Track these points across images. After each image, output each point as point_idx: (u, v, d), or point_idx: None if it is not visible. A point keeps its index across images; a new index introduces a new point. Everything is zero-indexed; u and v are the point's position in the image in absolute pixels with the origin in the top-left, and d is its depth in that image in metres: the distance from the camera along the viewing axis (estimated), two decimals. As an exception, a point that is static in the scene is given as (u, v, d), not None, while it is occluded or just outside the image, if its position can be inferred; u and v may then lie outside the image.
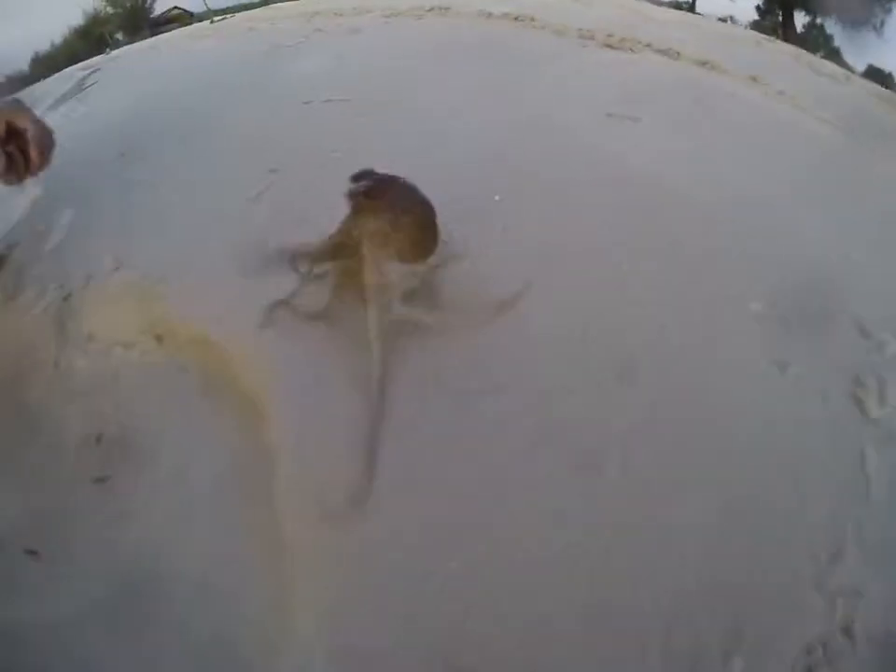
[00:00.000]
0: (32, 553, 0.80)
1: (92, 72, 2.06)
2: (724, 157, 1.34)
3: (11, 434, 0.91)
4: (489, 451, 0.78)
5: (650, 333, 0.86)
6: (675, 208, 1.05)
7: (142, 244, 0.99)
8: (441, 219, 0.89)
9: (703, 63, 1.68)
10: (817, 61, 2.55)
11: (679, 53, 1.66)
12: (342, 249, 0.87)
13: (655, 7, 2.21)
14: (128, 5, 11.59)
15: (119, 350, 0.89)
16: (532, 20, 1.71)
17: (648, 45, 1.68)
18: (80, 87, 1.91)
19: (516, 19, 1.71)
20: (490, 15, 1.72)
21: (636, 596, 0.64)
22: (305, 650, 0.68)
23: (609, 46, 1.65)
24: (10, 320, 0.97)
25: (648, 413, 0.78)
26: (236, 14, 2.49)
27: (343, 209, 0.88)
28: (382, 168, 0.88)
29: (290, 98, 1.37)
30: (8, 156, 0.84)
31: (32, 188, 1.25)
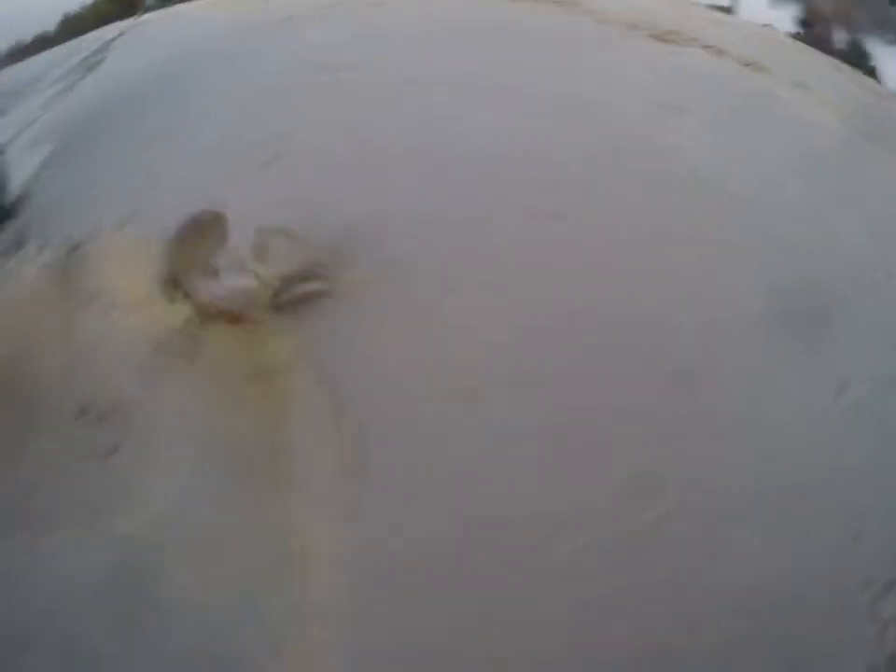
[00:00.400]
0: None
1: (118, 35, 2.02)
2: (770, 157, 1.27)
3: (6, 397, 0.86)
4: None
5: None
6: (725, 205, 0.99)
7: (155, 200, 0.93)
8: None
9: (748, 64, 1.62)
10: (857, 74, 2.48)
11: (725, 51, 1.60)
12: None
13: (697, 6, 2.14)
14: (161, -32, 11.52)
15: (127, 309, 0.84)
16: (575, 4, 1.64)
17: (694, 39, 1.62)
18: (104, 49, 1.87)
19: (557, 2, 1.64)
20: (530, -5, 1.66)
21: (690, 630, 0.59)
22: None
23: (655, 37, 1.58)
24: (13, 273, 0.92)
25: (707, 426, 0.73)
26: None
27: (349, 181, 0.86)
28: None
29: (303, 68, 1.30)
30: None
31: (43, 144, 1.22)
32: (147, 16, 2.56)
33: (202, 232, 0.84)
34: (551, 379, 0.77)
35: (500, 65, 1.33)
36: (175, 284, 0.80)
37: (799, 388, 0.77)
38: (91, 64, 1.66)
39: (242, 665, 0.66)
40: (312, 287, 0.80)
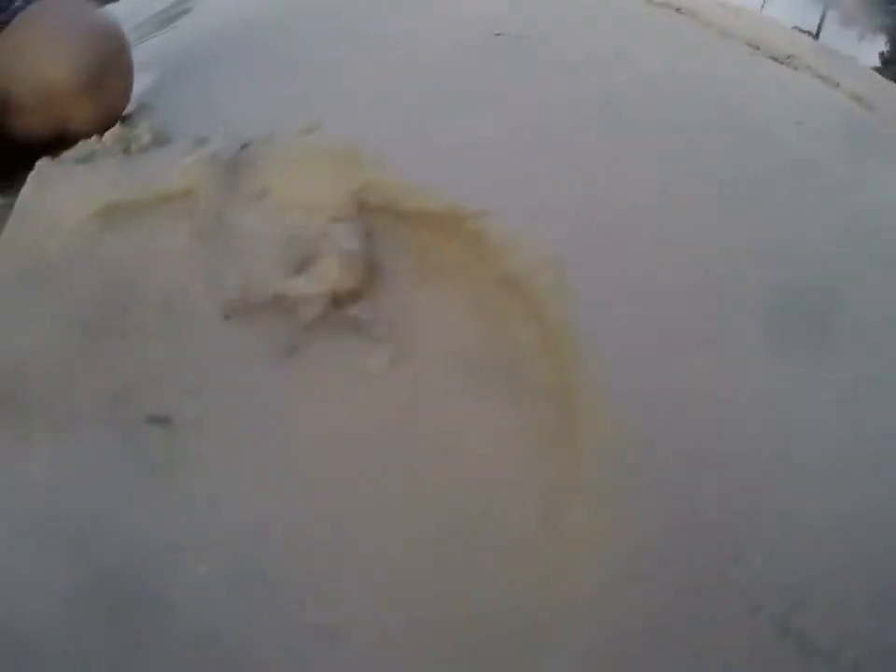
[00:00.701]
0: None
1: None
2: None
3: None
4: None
5: None
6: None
7: (341, 120, 0.83)
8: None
9: (858, 99, 1.64)
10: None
11: (839, 84, 1.62)
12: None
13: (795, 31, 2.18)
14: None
15: (301, 211, 0.73)
16: (694, 15, 1.64)
17: (808, 67, 1.64)
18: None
19: (678, 10, 1.64)
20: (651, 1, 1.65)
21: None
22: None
23: (775, 59, 1.59)
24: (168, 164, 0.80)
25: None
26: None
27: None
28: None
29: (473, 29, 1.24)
30: None
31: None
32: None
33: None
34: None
35: (663, 66, 1.29)
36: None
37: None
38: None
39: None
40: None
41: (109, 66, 0.90)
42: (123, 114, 0.97)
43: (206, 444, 0.62)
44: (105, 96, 0.92)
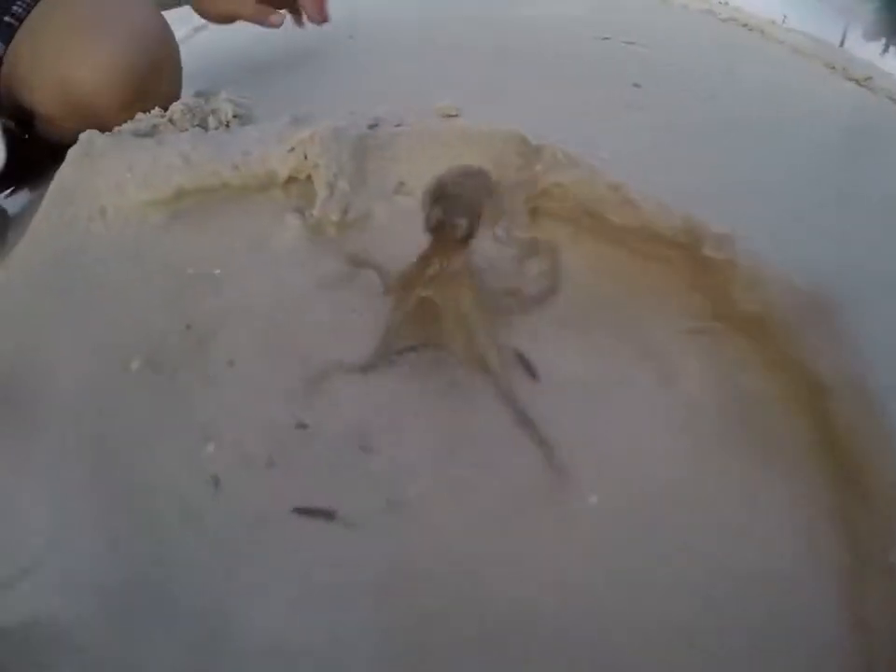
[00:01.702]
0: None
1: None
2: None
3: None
4: None
5: None
6: None
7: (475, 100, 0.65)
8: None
9: None
10: None
11: None
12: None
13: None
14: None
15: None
16: (762, 32, 1.55)
17: (883, 89, 1.53)
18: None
19: (745, 25, 1.54)
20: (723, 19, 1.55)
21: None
22: None
23: (854, 80, 1.49)
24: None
25: None
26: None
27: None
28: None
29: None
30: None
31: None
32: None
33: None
34: None
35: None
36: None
37: None
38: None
39: None
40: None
41: (155, 74, 0.69)
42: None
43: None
44: (150, 101, 0.72)
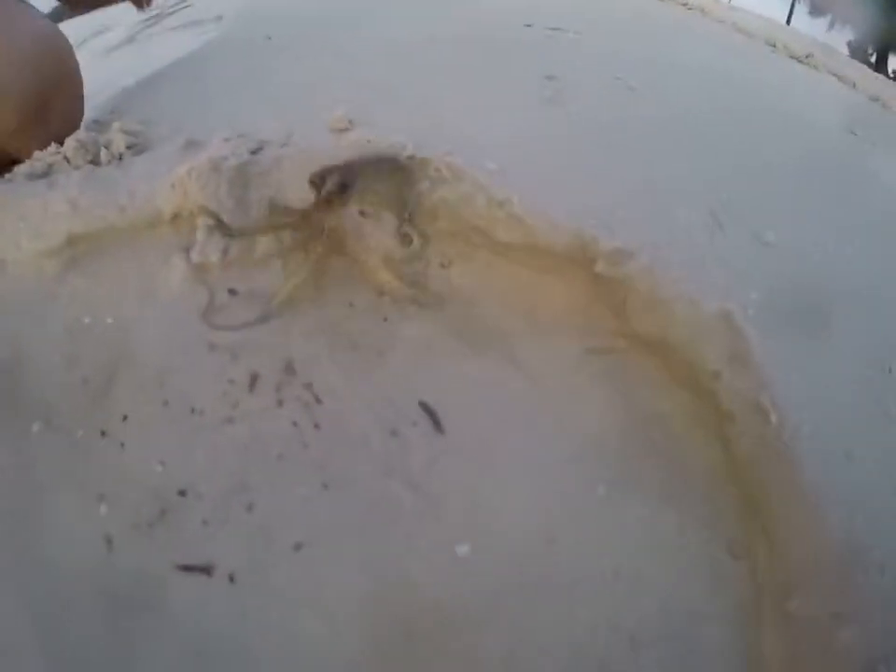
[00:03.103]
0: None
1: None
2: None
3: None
4: None
5: None
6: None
7: (374, 108, 0.63)
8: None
9: (876, 99, 1.51)
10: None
11: (856, 85, 1.51)
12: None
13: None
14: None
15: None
16: (703, 11, 1.50)
17: (826, 70, 1.51)
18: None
19: (685, 4, 1.50)
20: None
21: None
22: None
23: (795, 58, 1.46)
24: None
25: None
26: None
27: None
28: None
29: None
30: None
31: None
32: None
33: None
34: None
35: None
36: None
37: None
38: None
39: None
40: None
41: (55, 91, 0.67)
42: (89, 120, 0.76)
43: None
44: (49, 127, 0.70)
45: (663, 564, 0.41)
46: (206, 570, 0.39)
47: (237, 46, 0.88)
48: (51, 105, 0.66)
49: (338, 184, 0.53)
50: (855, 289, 0.61)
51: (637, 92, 0.81)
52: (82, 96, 0.72)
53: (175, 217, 0.56)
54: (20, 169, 0.68)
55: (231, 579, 0.39)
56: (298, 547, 0.40)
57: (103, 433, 0.47)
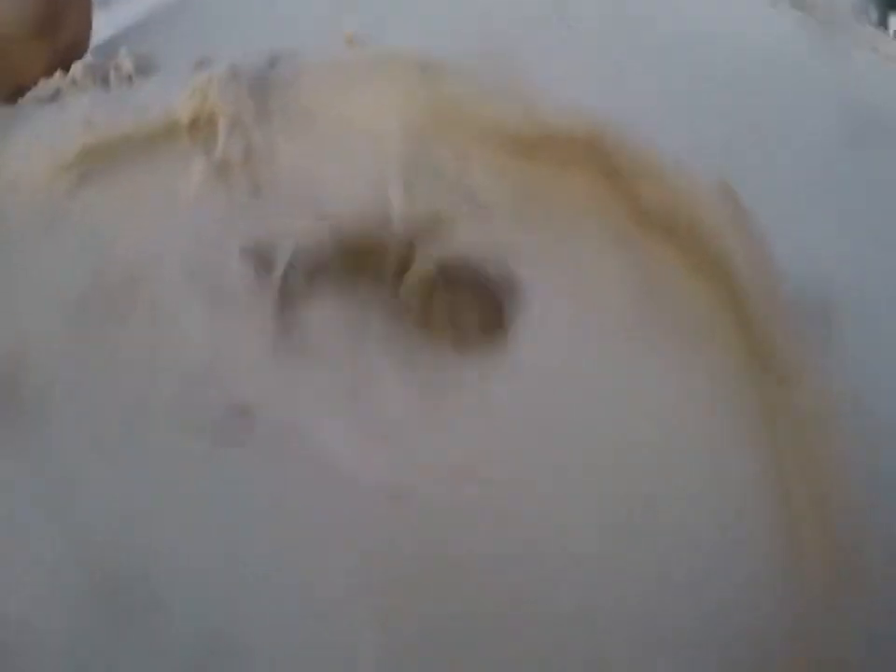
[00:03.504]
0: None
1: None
2: None
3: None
4: None
5: None
6: None
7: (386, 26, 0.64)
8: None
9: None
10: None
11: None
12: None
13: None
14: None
15: (363, 139, 0.52)
16: None
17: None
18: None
19: None
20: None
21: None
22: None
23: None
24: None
25: None
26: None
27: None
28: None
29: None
30: None
31: None
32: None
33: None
34: None
35: None
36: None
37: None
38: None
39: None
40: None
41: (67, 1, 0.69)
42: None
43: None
44: (61, 37, 0.70)
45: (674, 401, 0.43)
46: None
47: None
48: (64, 15, 0.66)
49: None
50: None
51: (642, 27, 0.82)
52: (91, 10, 0.71)
53: (194, 123, 0.55)
54: (29, 95, 0.68)
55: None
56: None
57: (130, 324, 0.47)
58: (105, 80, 0.67)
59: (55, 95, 0.67)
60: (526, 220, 0.51)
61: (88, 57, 0.70)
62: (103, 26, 0.87)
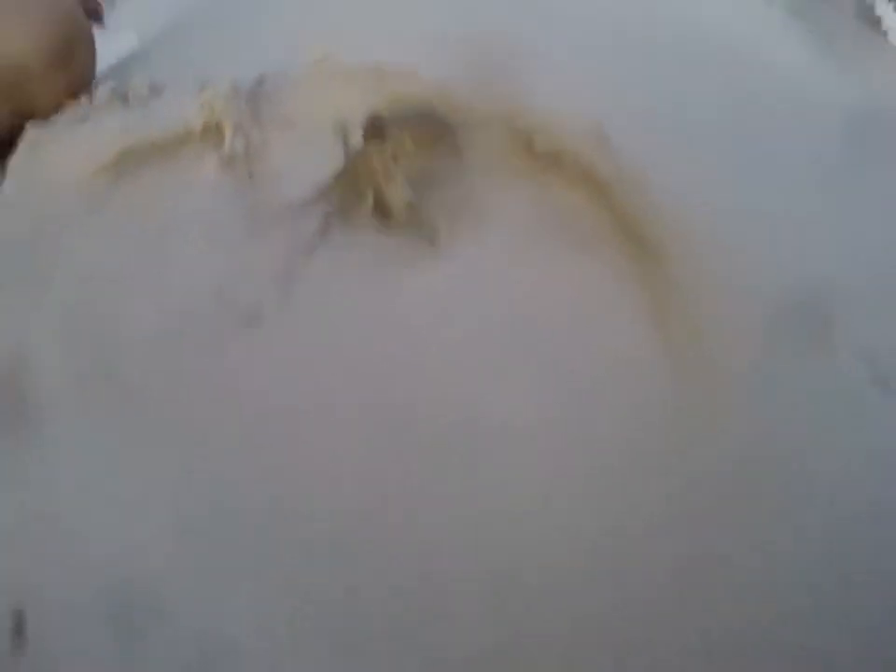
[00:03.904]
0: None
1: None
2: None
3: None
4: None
5: None
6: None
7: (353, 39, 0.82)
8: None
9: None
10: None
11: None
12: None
13: None
14: None
15: (330, 132, 0.71)
16: None
17: None
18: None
19: None
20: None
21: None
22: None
23: None
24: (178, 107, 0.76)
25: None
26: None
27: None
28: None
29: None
30: None
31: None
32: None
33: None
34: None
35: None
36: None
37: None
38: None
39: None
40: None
41: (75, 36, 0.83)
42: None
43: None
44: (73, 71, 0.86)
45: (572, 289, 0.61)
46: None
47: (223, 9, 1.05)
48: (75, 51, 0.81)
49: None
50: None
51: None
52: (94, 45, 0.88)
53: (205, 129, 0.74)
54: (59, 117, 0.85)
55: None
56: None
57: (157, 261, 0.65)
58: (124, 101, 0.85)
59: (85, 117, 0.85)
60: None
61: (108, 84, 0.88)
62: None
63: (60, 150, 0.79)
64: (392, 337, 0.59)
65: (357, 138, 0.67)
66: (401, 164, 0.66)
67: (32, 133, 0.80)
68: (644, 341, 0.58)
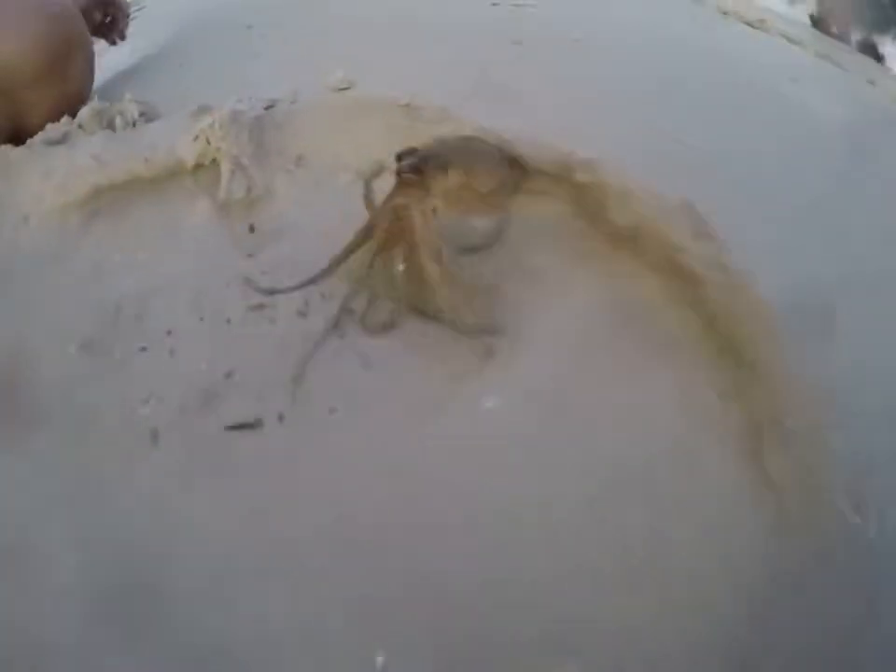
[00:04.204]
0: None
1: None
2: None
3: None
4: None
5: None
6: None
7: (368, 72, 0.70)
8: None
9: (823, 56, 1.63)
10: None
11: (802, 43, 1.64)
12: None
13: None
14: None
15: (349, 175, 0.58)
16: None
17: (776, 29, 1.64)
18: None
19: None
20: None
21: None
22: None
23: (748, 24, 1.59)
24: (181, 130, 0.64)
25: None
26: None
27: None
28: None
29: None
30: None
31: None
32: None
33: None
34: None
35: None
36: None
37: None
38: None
39: None
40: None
41: (70, 47, 0.75)
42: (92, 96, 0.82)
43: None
44: (67, 83, 0.77)
45: (655, 407, 0.48)
46: (255, 424, 0.44)
47: (223, 35, 0.94)
48: (68, 61, 0.71)
49: (413, 164, 0.48)
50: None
51: (590, 50, 0.89)
52: (93, 57, 0.77)
53: (198, 165, 0.61)
54: (38, 137, 0.73)
55: (281, 419, 0.45)
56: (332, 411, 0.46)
57: (143, 349, 0.52)
58: (111, 124, 0.73)
59: (64, 138, 0.73)
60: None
61: (95, 102, 0.76)
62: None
63: (32, 177, 0.66)
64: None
65: (384, 182, 0.52)
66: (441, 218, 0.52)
67: (5, 155, 0.68)
68: (746, 479, 0.44)
